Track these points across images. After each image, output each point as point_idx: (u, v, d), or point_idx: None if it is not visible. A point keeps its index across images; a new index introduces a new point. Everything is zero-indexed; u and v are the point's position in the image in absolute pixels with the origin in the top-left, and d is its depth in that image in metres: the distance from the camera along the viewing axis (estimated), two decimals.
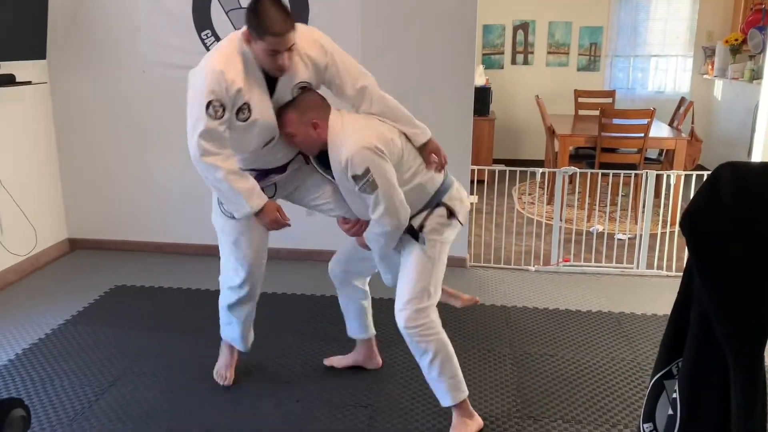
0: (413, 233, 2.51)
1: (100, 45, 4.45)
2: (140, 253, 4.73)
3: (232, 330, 2.92)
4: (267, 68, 2.35)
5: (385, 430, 2.66)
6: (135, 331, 3.51)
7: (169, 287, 4.13)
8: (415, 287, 2.50)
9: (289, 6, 4.16)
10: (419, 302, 2.49)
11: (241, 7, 4.23)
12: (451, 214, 2.57)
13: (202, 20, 4.30)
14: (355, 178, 2.35)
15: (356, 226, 2.64)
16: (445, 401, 2.56)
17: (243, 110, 2.38)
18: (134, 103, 4.53)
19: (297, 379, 3.03)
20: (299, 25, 2.37)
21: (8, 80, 3.94)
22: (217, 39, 4.30)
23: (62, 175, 4.73)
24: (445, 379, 2.52)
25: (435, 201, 2.55)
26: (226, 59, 2.34)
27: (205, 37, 4.32)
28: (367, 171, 2.32)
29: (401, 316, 2.50)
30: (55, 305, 3.84)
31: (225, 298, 2.87)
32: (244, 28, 2.31)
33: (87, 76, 4.52)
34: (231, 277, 2.78)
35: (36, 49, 4.13)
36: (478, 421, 2.64)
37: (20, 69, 4.14)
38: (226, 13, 4.26)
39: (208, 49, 4.33)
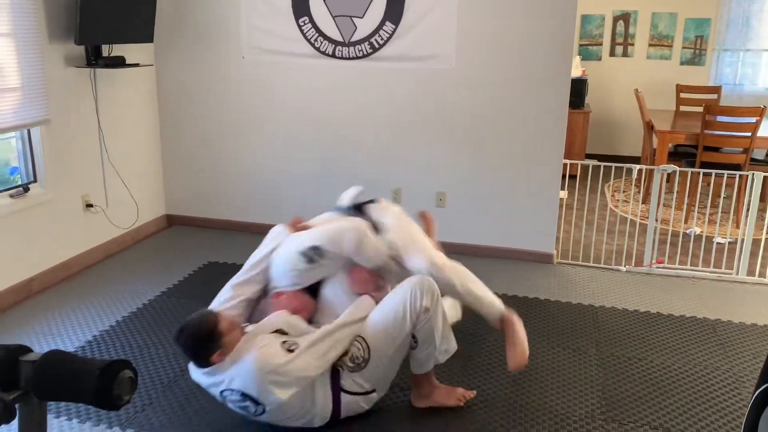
0: None
1: (203, 30, 4.63)
2: (232, 232, 4.90)
3: None
4: None
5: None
6: None
7: None
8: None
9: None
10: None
11: None
12: None
13: (301, 7, 4.39)
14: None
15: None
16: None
17: None
18: (233, 87, 4.69)
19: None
20: None
21: (119, 62, 4.16)
22: (314, 26, 4.38)
23: (163, 154, 4.97)
24: None
25: None
26: None
27: (302, 24, 4.40)
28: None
29: None
30: (153, 277, 4.05)
31: None
32: None
33: (190, 60, 4.71)
34: None
35: (145, 33, 4.34)
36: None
37: (130, 52, 4.36)
38: (324, 1, 4.32)
39: (305, 36, 4.43)
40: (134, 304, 3.68)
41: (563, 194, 4.81)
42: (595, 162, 4.60)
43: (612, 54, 7.67)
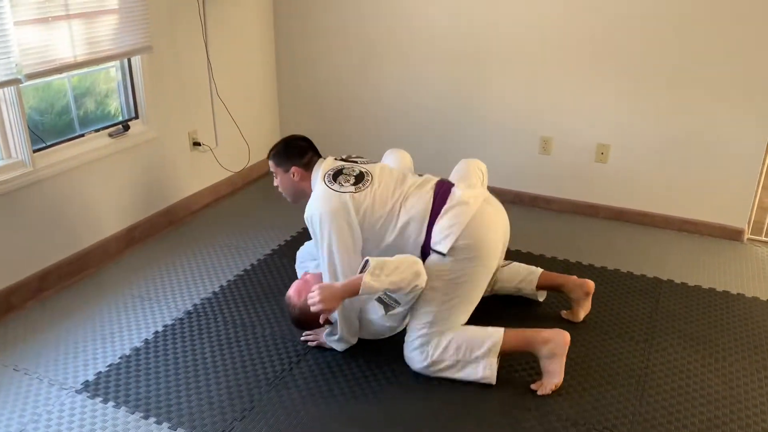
0: None
1: None
2: None
3: None
4: None
5: None
6: None
7: None
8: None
9: None
10: None
11: None
12: None
13: None
14: None
15: None
16: None
17: None
18: (352, 20, 4.00)
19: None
20: None
21: None
22: None
23: (279, 88, 4.42)
24: None
25: None
26: None
27: None
28: None
29: None
30: (265, 228, 3.59)
31: None
32: None
33: None
34: None
35: None
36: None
37: None
38: None
39: None
40: (244, 261, 3.24)
41: None
42: None
43: None
